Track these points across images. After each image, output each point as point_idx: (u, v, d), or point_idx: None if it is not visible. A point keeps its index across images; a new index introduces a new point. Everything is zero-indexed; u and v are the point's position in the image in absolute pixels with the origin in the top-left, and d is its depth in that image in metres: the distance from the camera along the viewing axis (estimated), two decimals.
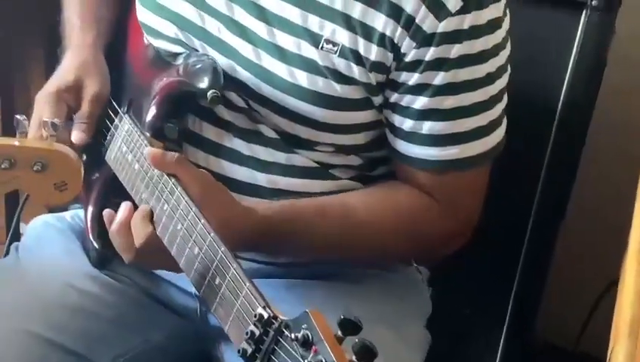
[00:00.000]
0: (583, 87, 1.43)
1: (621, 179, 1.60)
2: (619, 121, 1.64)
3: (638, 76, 1.58)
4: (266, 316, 0.91)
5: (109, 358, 1.23)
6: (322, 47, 1.16)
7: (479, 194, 1.25)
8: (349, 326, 0.85)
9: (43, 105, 1.25)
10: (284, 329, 0.89)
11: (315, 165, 1.23)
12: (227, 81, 1.20)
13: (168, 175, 1.12)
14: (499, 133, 1.23)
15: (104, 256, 1.28)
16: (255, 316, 0.92)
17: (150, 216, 1.13)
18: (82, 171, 1.22)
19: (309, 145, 1.22)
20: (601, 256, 1.62)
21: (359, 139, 1.23)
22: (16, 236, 1.42)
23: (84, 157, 1.28)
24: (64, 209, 1.41)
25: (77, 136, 1.25)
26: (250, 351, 0.91)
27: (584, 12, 1.42)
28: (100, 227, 1.26)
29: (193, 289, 1.27)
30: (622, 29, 1.43)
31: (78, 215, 1.37)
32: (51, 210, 1.45)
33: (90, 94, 1.28)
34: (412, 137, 1.20)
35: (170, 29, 1.25)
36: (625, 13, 1.43)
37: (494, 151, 1.23)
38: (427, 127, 1.18)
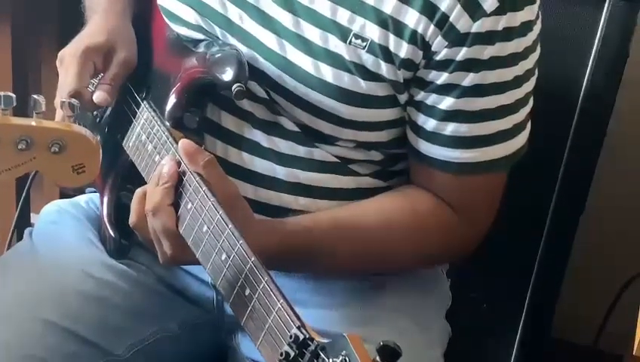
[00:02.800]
0: (604, 80, 1.42)
1: None
2: None
3: None
4: (301, 337, 0.89)
5: (124, 347, 1.22)
6: (350, 42, 1.14)
7: (496, 201, 1.23)
8: (388, 353, 0.82)
9: (69, 63, 1.21)
10: (320, 352, 0.86)
11: (336, 160, 1.21)
12: (249, 71, 1.17)
13: (195, 173, 1.09)
14: (522, 138, 1.20)
15: (121, 246, 1.27)
16: (290, 337, 0.90)
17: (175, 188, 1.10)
18: (100, 153, 1.20)
19: (330, 140, 1.20)
20: (620, 252, 1.62)
21: (382, 136, 1.21)
22: (25, 221, 1.40)
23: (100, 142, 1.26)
24: (80, 192, 1.39)
25: (100, 96, 1.21)
26: None
27: (606, 4, 1.40)
28: (117, 216, 1.26)
29: (210, 279, 1.26)
30: None
31: (93, 200, 1.35)
32: (64, 195, 1.44)
33: (120, 58, 1.24)
34: (435, 138, 1.18)
35: (190, 15, 1.23)
36: None
37: (516, 156, 1.21)
38: (451, 128, 1.16)
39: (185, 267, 1.29)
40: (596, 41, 1.41)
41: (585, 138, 1.43)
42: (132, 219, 1.15)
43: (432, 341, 1.25)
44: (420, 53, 1.13)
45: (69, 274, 1.24)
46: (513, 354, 1.50)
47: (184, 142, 1.12)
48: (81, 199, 1.37)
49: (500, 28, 1.12)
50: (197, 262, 1.07)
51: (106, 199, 1.27)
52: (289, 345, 0.89)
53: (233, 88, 1.14)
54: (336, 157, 1.21)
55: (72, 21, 1.36)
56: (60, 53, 1.23)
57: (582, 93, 1.42)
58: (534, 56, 1.17)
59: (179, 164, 1.12)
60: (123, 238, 1.25)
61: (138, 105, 1.26)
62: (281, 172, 1.21)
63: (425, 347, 1.22)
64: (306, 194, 1.21)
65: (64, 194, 1.44)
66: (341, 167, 1.21)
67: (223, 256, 1.02)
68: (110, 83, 1.23)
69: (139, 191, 1.15)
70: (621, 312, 1.65)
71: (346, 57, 1.14)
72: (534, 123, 1.23)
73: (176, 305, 1.28)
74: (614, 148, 1.54)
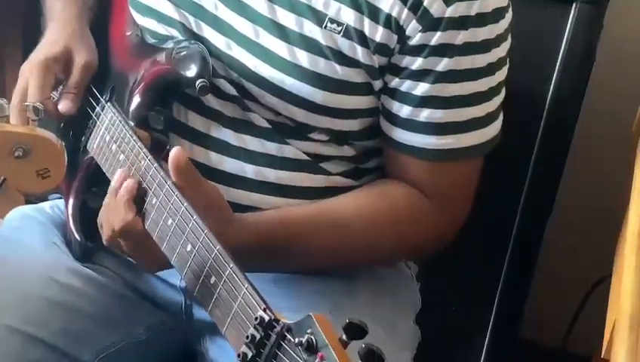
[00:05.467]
0: (571, 81, 1.44)
1: (609, 176, 1.60)
2: (607, 116, 1.64)
3: (625, 72, 1.58)
4: (267, 319, 0.89)
5: (91, 353, 1.21)
6: (326, 27, 1.14)
7: (471, 189, 1.24)
8: (355, 330, 0.83)
9: (29, 76, 1.21)
10: (286, 333, 0.86)
11: (306, 158, 1.21)
12: (222, 62, 1.17)
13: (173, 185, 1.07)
14: (495, 127, 1.22)
15: (87, 249, 1.25)
16: (256, 319, 0.90)
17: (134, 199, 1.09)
18: (65, 157, 1.18)
19: (302, 132, 1.19)
20: (588, 254, 1.63)
21: (354, 125, 1.20)
22: None
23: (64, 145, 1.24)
24: (42, 199, 1.37)
25: (64, 105, 1.21)
26: (250, 355, 0.89)
27: (574, 5, 1.41)
28: (82, 218, 1.24)
29: (178, 283, 1.25)
30: (611, 27, 1.43)
31: (58, 206, 1.34)
32: (28, 201, 1.41)
33: (80, 64, 1.25)
34: (409, 124, 1.18)
35: (162, 4, 1.22)
36: (614, 10, 1.43)
37: (490, 145, 1.21)
38: (425, 114, 1.17)
39: None
40: (563, 43, 1.42)
41: (553, 140, 1.45)
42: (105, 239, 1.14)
43: (402, 344, 1.24)
44: (395, 37, 1.13)
45: (34, 280, 1.22)
46: (482, 356, 1.50)
47: (177, 153, 1.07)
48: (45, 205, 1.35)
49: (472, 13, 1.13)
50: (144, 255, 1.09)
51: (71, 202, 1.26)
52: (255, 327, 0.89)
53: (197, 84, 1.14)
54: (307, 154, 1.20)
55: (36, 25, 1.35)
56: (22, 68, 1.24)
57: (549, 95, 1.43)
58: (506, 45, 1.19)
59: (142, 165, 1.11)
60: (89, 241, 1.24)
61: (102, 107, 1.24)
62: (250, 171, 1.20)
63: (395, 350, 1.20)
64: (276, 193, 1.20)
65: (28, 201, 1.42)
66: (312, 165, 1.21)
67: (189, 247, 1.01)
68: (73, 91, 1.23)
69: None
70: (589, 314, 1.66)
71: (322, 42, 1.14)
72: (502, 126, 1.23)
73: (143, 309, 1.27)
74: (582, 150, 1.56)
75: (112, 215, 1.10)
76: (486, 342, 1.49)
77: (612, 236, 1.31)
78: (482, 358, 1.52)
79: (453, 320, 1.50)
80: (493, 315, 1.49)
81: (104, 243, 1.14)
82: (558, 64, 1.42)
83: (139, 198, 1.10)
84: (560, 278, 1.74)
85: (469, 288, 1.49)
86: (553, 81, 1.43)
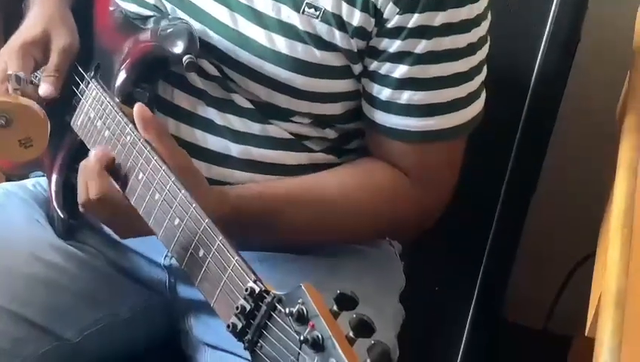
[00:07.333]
0: (556, 63, 1.43)
1: (591, 156, 1.61)
2: (591, 96, 1.64)
3: (610, 52, 1.58)
4: (257, 290, 0.88)
5: (74, 331, 1.21)
6: (304, 12, 1.13)
7: (454, 169, 1.24)
8: (346, 301, 0.83)
9: (8, 60, 1.20)
10: (277, 304, 0.86)
11: (290, 136, 1.20)
12: (201, 48, 1.16)
13: (146, 142, 1.08)
14: (477, 106, 1.21)
15: (70, 226, 1.25)
16: (246, 290, 0.89)
17: (109, 167, 1.09)
18: (48, 126, 1.17)
19: (285, 114, 1.19)
20: (570, 235, 1.64)
21: (336, 109, 1.20)
22: None
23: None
24: (24, 177, 1.36)
25: (45, 89, 1.19)
26: (240, 326, 0.88)
27: None
28: (65, 196, 1.23)
29: (162, 261, 1.25)
30: (596, 7, 1.43)
31: (40, 183, 1.33)
32: (9, 178, 1.40)
33: (59, 47, 1.23)
34: (390, 107, 1.17)
35: None
36: None
37: (472, 124, 1.21)
38: (406, 96, 1.16)
39: (137, 249, 1.26)
40: (548, 23, 1.42)
41: (537, 120, 1.44)
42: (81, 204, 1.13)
43: (387, 323, 1.24)
44: (373, 20, 1.13)
45: (17, 257, 1.22)
46: (464, 336, 1.50)
47: (139, 107, 1.10)
48: (27, 182, 1.34)
49: None
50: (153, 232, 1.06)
51: (54, 179, 1.25)
52: (245, 298, 0.89)
53: (184, 60, 1.13)
54: (291, 133, 1.20)
55: (17, 10, 1.33)
56: (0, 51, 1.22)
57: (534, 75, 1.43)
58: (486, 24, 1.18)
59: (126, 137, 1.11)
60: (72, 218, 1.23)
61: (87, 84, 1.23)
62: (234, 149, 1.19)
63: (379, 329, 1.20)
64: (259, 171, 1.20)
65: (10, 179, 1.40)
66: (295, 143, 1.20)
67: (176, 221, 1.01)
68: (54, 74, 1.22)
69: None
70: (571, 294, 1.66)
71: (300, 27, 1.14)
72: (487, 103, 1.23)
73: (127, 287, 1.26)
74: (566, 131, 1.56)
75: (89, 178, 1.10)
76: (468, 323, 1.49)
77: (594, 216, 1.31)
78: (464, 339, 1.52)
79: (435, 300, 1.50)
80: (475, 296, 1.49)
81: (79, 208, 1.13)
82: (543, 44, 1.42)
83: (124, 174, 1.09)
84: (543, 259, 1.75)
85: (451, 268, 1.49)
86: (538, 61, 1.42)
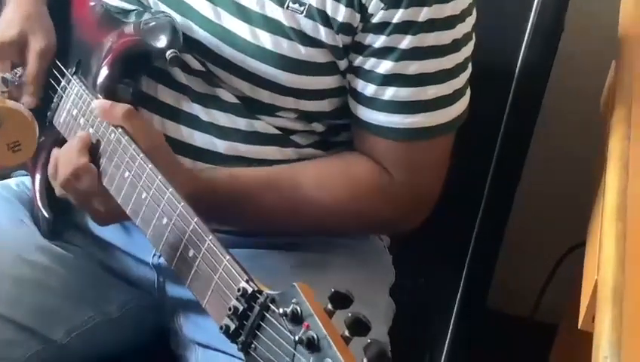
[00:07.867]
0: (540, 53, 1.42)
1: (577, 146, 1.61)
2: (576, 85, 1.64)
3: (594, 42, 1.58)
4: (250, 290, 0.88)
5: (62, 332, 1.20)
6: (288, 7, 1.12)
7: (440, 168, 1.22)
8: (340, 299, 0.82)
9: None
10: (270, 304, 0.85)
11: (277, 132, 1.19)
12: (184, 42, 1.15)
13: (116, 126, 1.09)
14: (462, 104, 1.20)
15: (55, 226, 1.24)
16: (238, 290, 0.88)
17: (88, 148, 1.10)
18: (37, 130, 1.16)
19: (270, 110, 1.18)
20: (557, 224, 1.64)
21: (324, 105, 1.19)
22: None
23: None
24: (6, 176, 1.35)
25: (27, 101, 1.20)
26: (233, 327, 0.87)
27: None
28: (50, 195, 1.22)
29: (151, 260, 1.24)
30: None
31: (24, 182, 1.31)
32: None
33: (36, 50, 1.22)
34: (374, 103, 1.16)
35: None
36: None
37: (457, 122, 1.20)
38: (390, 92, 1.15)
39: (125, 248, 1.26)
40: (532, 13, 1.41)
41: (522, 109, 1.44)
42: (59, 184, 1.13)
43: (379, 318, 1.24)
44: (358, 16, 1.12)
45: (3, 259, 1.20)
46: (450, 326, 1.50)
47: (97, 101, 1.11)
48: (11, 181, 1.33)
49: None
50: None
51: (37, 178, 1.24)
52: (237, 299, 0.88)
53: (167, 54, 1.13)
54: (278, 128, 1.19)
55: None
56: None
57: (518, 65, 1.42)
58: (471, 20, 1.17)
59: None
60: (57, 218, 1.22)
61: (69, 81, 1.22)
62: (221, 145, 1.18)
63: (373, 325, 1.20)
64: (246, 166, 1.18)
65: None
66: (282, 138, 1.20)
67: (164, 221, 1.00)
68: (32, 83, 1.21)
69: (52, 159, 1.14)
70: (558, 284, 1.67)
71: (284, 23, 1.12)
72: (471, 95, 1.22)
73: (115, 287, 1.25)
74: (551, 121, 1.56)
75: (66, 160, 1.10)
76: (454, 313, 1.49)
77: (581, 206, 1.31)
78: (450, 329, 1.52)
79: (421, 291, 1.50)
80: (461, 286, 1.48)
81: (56, 193, 1.13)
82: (527, 34, 1.41)
83: (109, 172, 1.09)
84: (530, 248, 1.75)
85: (437, 259, 1.49)
86: (522, 52, 1.42)
